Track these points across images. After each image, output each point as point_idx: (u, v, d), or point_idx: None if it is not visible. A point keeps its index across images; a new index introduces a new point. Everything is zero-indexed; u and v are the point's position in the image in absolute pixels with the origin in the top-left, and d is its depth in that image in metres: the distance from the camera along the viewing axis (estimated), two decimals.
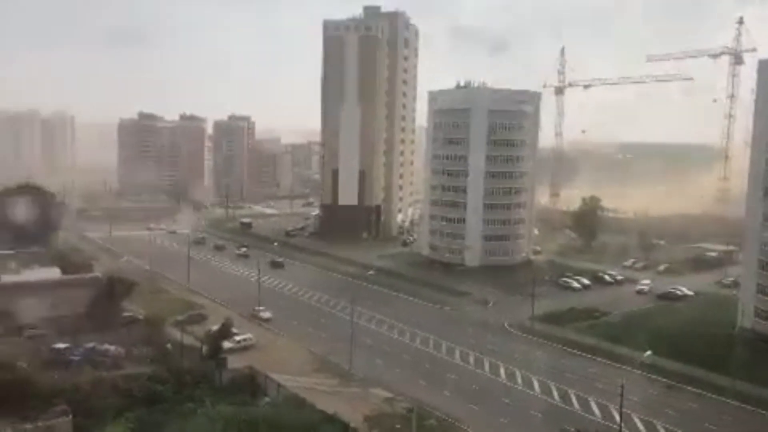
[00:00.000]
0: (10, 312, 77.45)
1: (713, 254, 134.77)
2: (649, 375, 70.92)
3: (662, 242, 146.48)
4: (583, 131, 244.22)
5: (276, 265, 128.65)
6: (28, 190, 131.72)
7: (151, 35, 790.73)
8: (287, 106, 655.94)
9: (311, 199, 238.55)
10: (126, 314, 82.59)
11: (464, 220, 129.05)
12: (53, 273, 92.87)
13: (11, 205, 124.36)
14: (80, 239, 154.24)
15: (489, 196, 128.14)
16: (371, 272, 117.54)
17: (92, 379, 55.73)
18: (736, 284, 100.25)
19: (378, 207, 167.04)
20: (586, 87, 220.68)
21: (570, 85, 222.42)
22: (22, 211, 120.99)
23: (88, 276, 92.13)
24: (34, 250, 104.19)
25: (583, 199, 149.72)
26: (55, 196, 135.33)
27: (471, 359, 78.24)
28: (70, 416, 48.92)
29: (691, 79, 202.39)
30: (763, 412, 63.06)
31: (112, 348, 68.70)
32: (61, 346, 67.79)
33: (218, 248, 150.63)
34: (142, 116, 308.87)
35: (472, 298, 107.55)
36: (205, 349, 70.64)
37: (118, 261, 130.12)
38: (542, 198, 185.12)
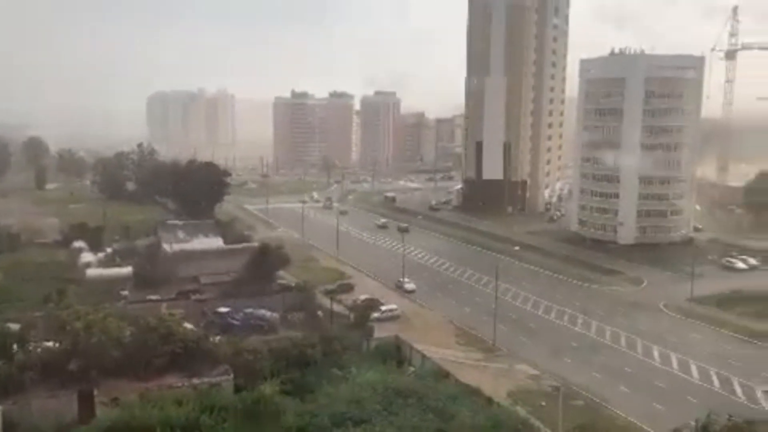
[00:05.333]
0: (179, 277, 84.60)
1: None
2: None
3: None
4: (759, 99, 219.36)
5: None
6: (198, 164, 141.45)
7: (297, 14, 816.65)
8: (432, 80, 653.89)
9: (453, 173, 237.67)
10: (280, 281, 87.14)
11: (617, 195, 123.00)
12: (216, 242, 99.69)
13: (183, 178, 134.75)
14: (239, 210, 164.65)
15: (645, 169, 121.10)
16: (517, 248, 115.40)
17: (250, 341, 59.24)
18: None
19: (524, 181, 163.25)
20: (762, 49, 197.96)
21: (744, 48, 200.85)
22: (192, 184, 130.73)
23: (246, 245, 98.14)
24: (200, 221, 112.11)
25: (761, 173, 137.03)
26: (221, 170, 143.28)
27: (622, 340, 74.74)
28: (232, 375, 52.50)
29: None
30: None
31: (267, 313, 72.57)
32: (223, 310, 72.71)
33: (357, 219, 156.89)
34: (295, 95, 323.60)
35: (624, 277, 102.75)
36: (352, 317, 73.03)
37: (273, 231, 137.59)
38: (708, 172, 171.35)
